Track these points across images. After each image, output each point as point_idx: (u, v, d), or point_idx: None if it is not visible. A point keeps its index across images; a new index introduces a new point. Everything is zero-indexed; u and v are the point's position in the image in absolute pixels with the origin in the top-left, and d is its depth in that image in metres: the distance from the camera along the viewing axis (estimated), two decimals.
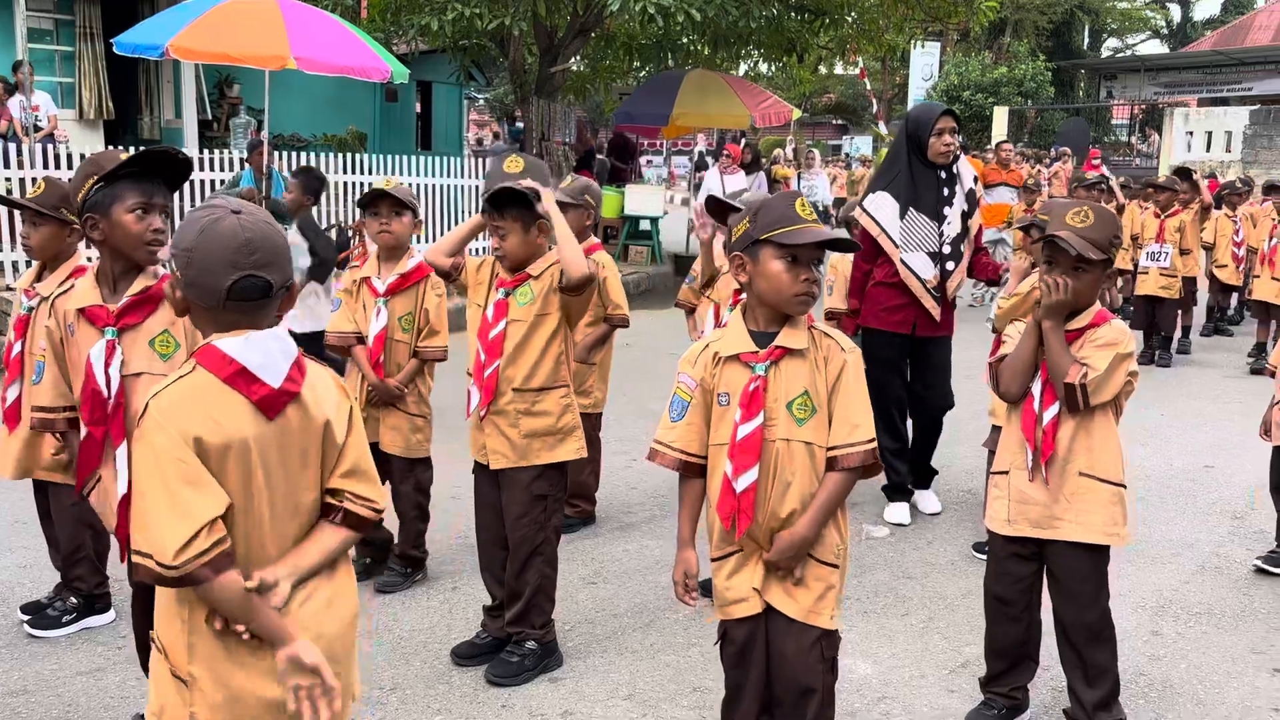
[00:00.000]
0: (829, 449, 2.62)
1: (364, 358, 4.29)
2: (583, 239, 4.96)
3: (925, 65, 31.66)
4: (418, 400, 4.38)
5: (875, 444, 2.65)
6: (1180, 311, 10.07)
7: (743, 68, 19.50)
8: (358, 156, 12.36)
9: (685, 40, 16.14)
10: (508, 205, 3.51)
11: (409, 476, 4.38)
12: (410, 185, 12.63)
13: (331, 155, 12.15)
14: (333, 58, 9.22)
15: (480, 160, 14.82)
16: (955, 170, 5.21)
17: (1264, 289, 9.73)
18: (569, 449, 3.71)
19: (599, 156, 19.44)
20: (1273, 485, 4.76)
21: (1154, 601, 4.39)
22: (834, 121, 47.05)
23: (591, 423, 5.10)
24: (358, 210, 4.71)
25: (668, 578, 2.99)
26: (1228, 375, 9.40)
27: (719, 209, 4.21)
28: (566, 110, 18.41)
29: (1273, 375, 4.73)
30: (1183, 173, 10.39)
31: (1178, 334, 10.09)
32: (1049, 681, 3.52)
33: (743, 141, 17.52)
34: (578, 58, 16.37)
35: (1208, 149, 23.68)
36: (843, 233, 2.69)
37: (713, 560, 2.73)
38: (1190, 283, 10.23)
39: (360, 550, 4.49)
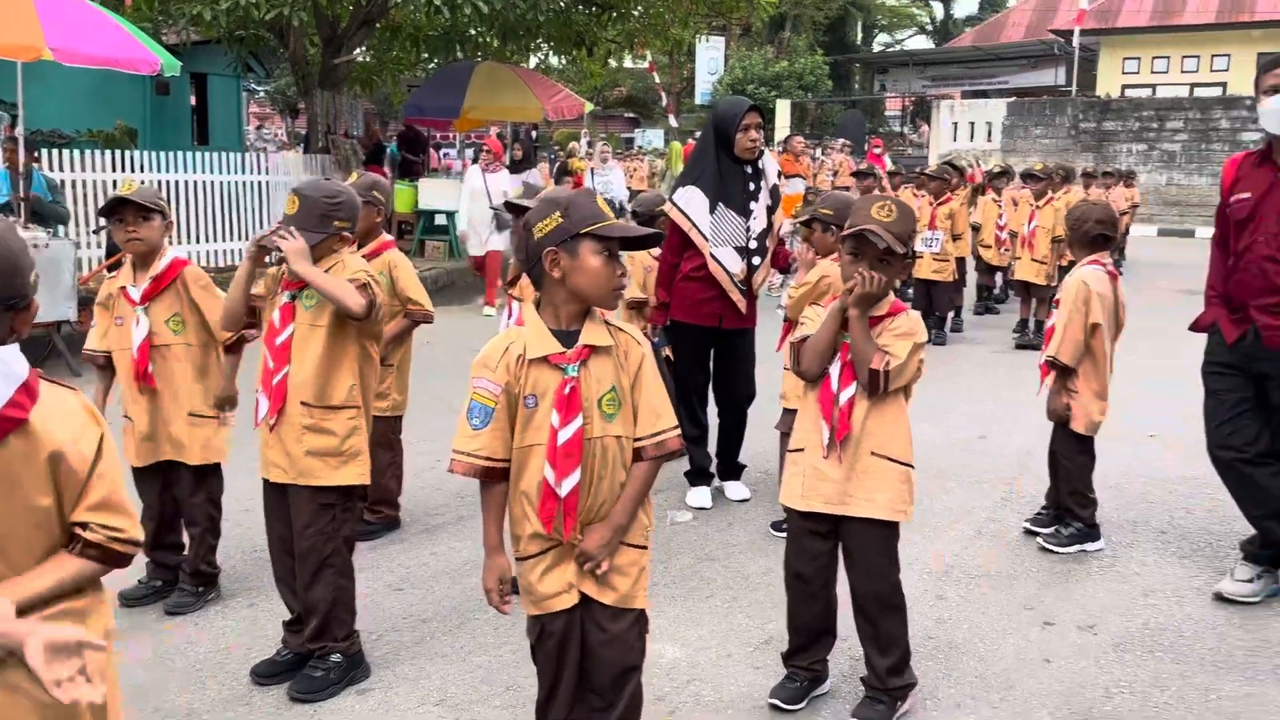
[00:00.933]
0: (636, 439, 2.66)
1: (124, 370, 4.08)
2: (373, 236, 4.85)
3: (711, 59, 32.45)
4: (205, 397, 4.15)
5: (679, 430, 2.71)
6: (953, 293, 10.75)
7: (533, 60, 19.43)
8: (128, 153, 11.63)
9: (474, 32, 15.93)
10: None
11: (199, 488, 4.17)
12: (186, 183, 12.08)
13: (98, 152, 11.36)
14: (94, 49, 8.65)
15: (261, 155, 14.23)
16: (761, 165, 5.35)
17: (1024, 269, 10.47)
18: (351, 473, 3.58)
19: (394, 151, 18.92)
20: (1050, 455, 5.11)
21: (938, 567, 4.65)
22: (625, 115, 47.60)
23: (391, 425, 5.00)
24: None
25: (477, 579, 2.97)
26: (996, 351, 10.05)
27: (516, 209, 4.20)
28: (353, 103, 17.87)
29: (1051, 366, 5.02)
30: (952, 166, 11.08)
31: (951, 314, 10.74)
32: (846, 651, 3.67)
33: (529, 134, 17.46)
34: (363, 49, 15.87)
35: (971, 138, 25.26)
36: (653, 230, 2.72)
37: (520, 560, 2.72)
38: (961, 265, 10.92)
39: (151, 571, 4.26)
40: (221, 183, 12.36)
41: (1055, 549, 4.84)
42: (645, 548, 2.75)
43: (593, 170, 16.98)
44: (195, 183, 11.97)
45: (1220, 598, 4.32)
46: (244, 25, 12.95)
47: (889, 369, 3.18)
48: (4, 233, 1.82)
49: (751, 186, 5.27)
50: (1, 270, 1.79)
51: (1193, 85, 27.16)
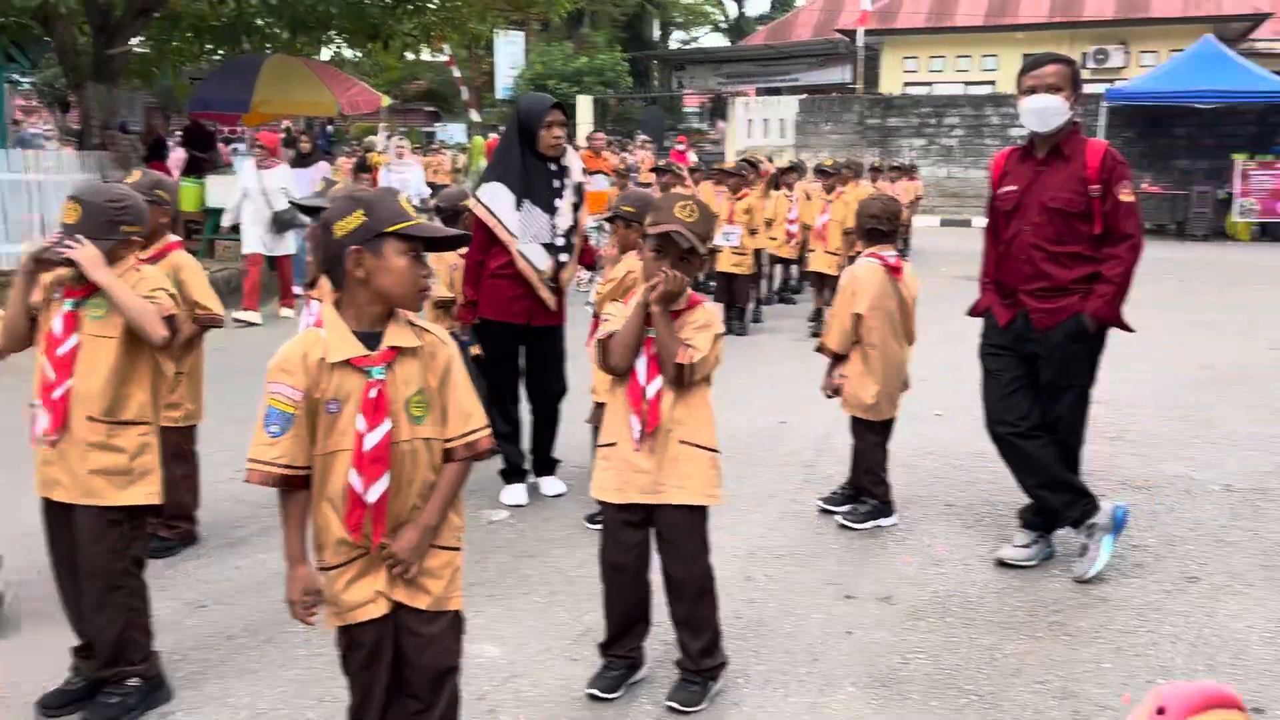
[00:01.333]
0: (446, 440, 2.64)
1: None
2: (159, 238, 4.62)
3: (511, 54, 32.30)
4: None
5: (489, 430, 2.71)
6: (753, 285, 11.10)
7: (326, 53, 18.81)
8: None
9: (261, 23, 15.28)
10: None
11: None
12: None
13: None
14: None
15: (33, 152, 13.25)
16: (565, 162, 5.38)
17: (818, 261, 10.92)
18: (140, 492, 3.38)
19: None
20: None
21: (745, 549, 4.81)
22: (426, 109, 46.81)
23: (184, 436, 4.79)
24: None
25: (283, 592, 2.88)
26: (794, 339, 10.44)
27: (308, 210, 4.09)
28: (131, 96, 16.89)
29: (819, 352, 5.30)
30: (749, 162, 11.44)
31: (751, 305, 11.08)
32: (660, 636, 3.74)
33: (324, 129, 16.90)
34: (140, 39, 14.96)
35: (766, 134, 26.04)
36: (460, 232, 2.70)
37: (325, 570, 2.64)
38: (759, 257, 11.29)
39: None
40: None
41: (853, 526, 5.08)
42: (458, 549, 2.73)
43: (389, 166, 16.30)
44: None
45: (1002, 563, 4.63)
46: (4, 12, 11.99)
47: (693, 362, 3.29)
48: None
49: (556, 183, 5.30)
50: None
51: (966, 83, 28.85)
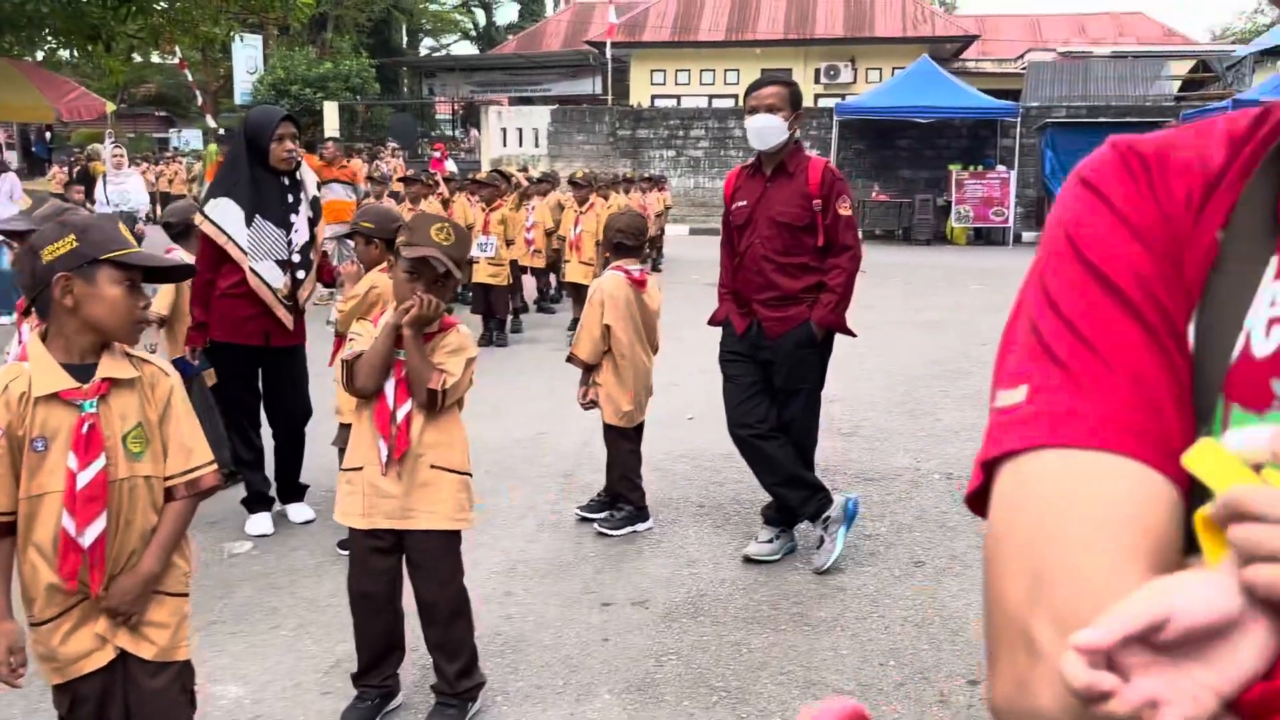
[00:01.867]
0: (167, 478, 2.50)
1: None
2: None
3: (249, 58, 30.90)
4: None
5: (214, 466, 2.59)
6: (510, 295, 11.10)
7: (40, 54, 17.41)
8: None
9: None
10: None
11: None
12: None
13: None
14: None
15: None
16: (299, 176, 5.20)
17: (573, 272, 11.02)
18: None
19: None
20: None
21: (504, 564, 4.80)
22: (157, 113, 44.17)
23: None
24: None
25: None
26: (552, 349, 10.49)
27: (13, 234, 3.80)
28: None
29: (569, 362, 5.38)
30: (500, 173, 11.44)
31: (509, 316, 11.08)
32: (416, 662, 3.70)
33: (41, 136, 15.60)
34: None
35: (520, 144, 26.04)
36: (183, 264, 2.52)
37: (36, 625, 2.44)
38: (515, 268, 11.31)
39: None
40: None
41: (610, 533, 5.17)
42: (185, 595, 2.60)
43: (105, 177, 14.37)
44: None
45: (748, 559, 4.83)
46: None
47: (446, 387, 3.26)
48: None
49: (290, 198, 5.13)
50: None
51: (710, 96, 29.88)
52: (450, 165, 22.03)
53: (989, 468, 0.78)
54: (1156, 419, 0.74)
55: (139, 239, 6.41)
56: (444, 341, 3.35)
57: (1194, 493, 0.69)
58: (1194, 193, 0.81)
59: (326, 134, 25.90)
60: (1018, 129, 21.75)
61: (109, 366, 2.43)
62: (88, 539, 2.37)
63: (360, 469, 3.36)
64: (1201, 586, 0.62)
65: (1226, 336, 0.75)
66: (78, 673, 2.47)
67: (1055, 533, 0.71)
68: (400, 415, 3.30)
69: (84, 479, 2.36)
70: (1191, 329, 0.77)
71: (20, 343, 3.84)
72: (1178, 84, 25.79)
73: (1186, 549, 0.70)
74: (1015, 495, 0.75)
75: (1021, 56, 30.17)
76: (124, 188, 13.28)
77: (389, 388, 3.31)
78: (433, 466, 3.34)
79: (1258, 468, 0.62)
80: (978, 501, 0.79)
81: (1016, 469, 0.75)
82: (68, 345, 2.41)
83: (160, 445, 2.50)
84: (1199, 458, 0.64)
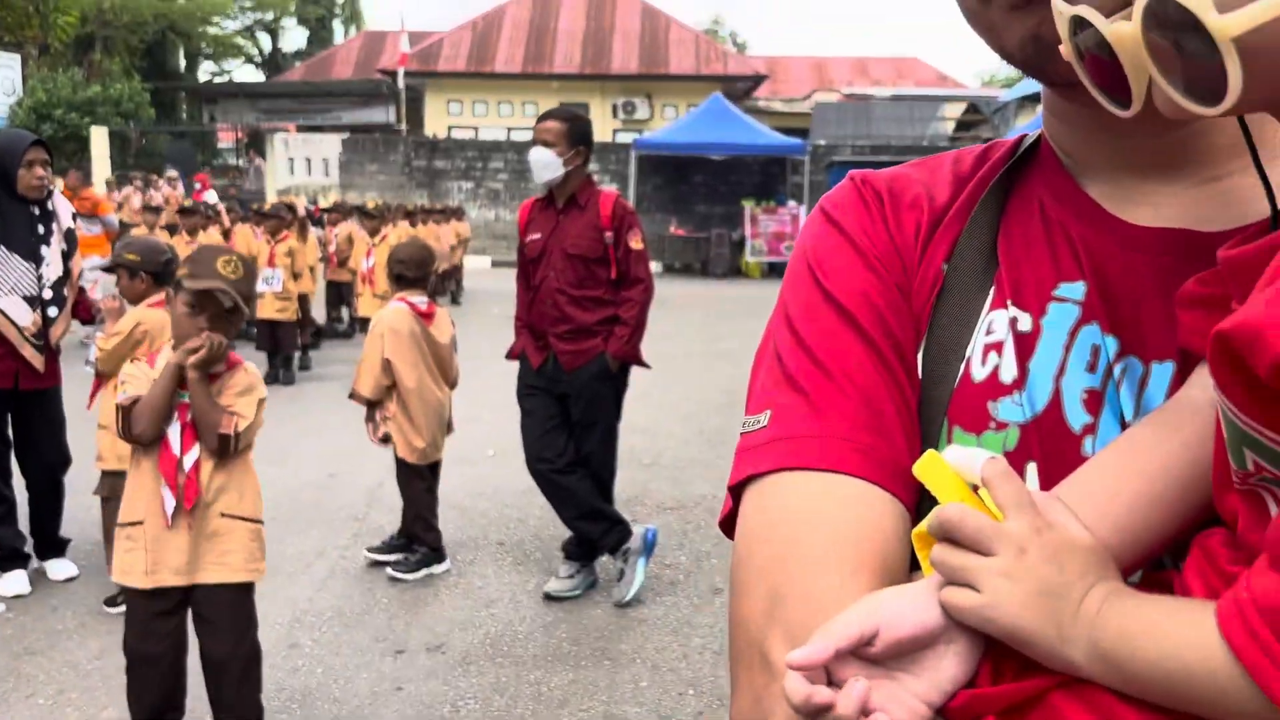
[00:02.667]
0: None
1: None
2: None
3: (6, 78, 28.92)
4: None
5: None
6: (299, 330, 10.74)
7: None
8: None
9: None
10: None
11: None
12: None
13: None
14: None
15: None
16: (51, 206, 4.89)
17: (366, 305, 10.81)
18: None
19: None
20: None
21: (290, 615, 4.60)
22: None
23: None
24: None
25: None
26: (343, 386, 10.17)
27: None
28: None
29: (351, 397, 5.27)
30: (287, 205, 11.10)
31: (297, 353, 10.71)
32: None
33: None
34: None
35: (309, 173, 25.36)
36: None
37: None
38: (304, 302, 10.96)
39: None
40: None
41: (403, 576, 5.05)
42: None
43: None
44: None
45: (548, 597, 4.82)
46: None
47: (239, 430, 3.13)
48: None
49: (41, 229, 4.81)
50: None
51: (509, 129, 29.88)
52: (209, 196, 21.05)
53: (737, 492, 0.80)
54: (886, 441, 0.77)
55: None
56: (231, 381, 3.22)
57: (921, 507, 0.73)
58: (922, 226, 0.85)
59: (96, 162, 24.54)
60: (806, 166, 22.74)
61: None
62: None
63: (140, 523, 3.15)
64: (907, 601, 0.65)
65: (950, 362, 0.79)
66: None
67: (790, 553, 0.74)
68: (188, 463, 3.14)
69: None
70: (920, 355, 0.81)
71: None
72: (952, 124, 27.47)
73: (914, 563, 0.72)
74: (755, 518, 0.78)
75: (809, 96, 31.59)
76: None
77: (173, 433, 3.15)
78: (223, 515, 3.20)
79: (975, 487, 0.65)
80: (729, 525, 0.81)
81: (758, 492, 0.78)
82: None
83: None
84: (926, 468, 0.67)
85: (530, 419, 4.84)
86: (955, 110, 28.58)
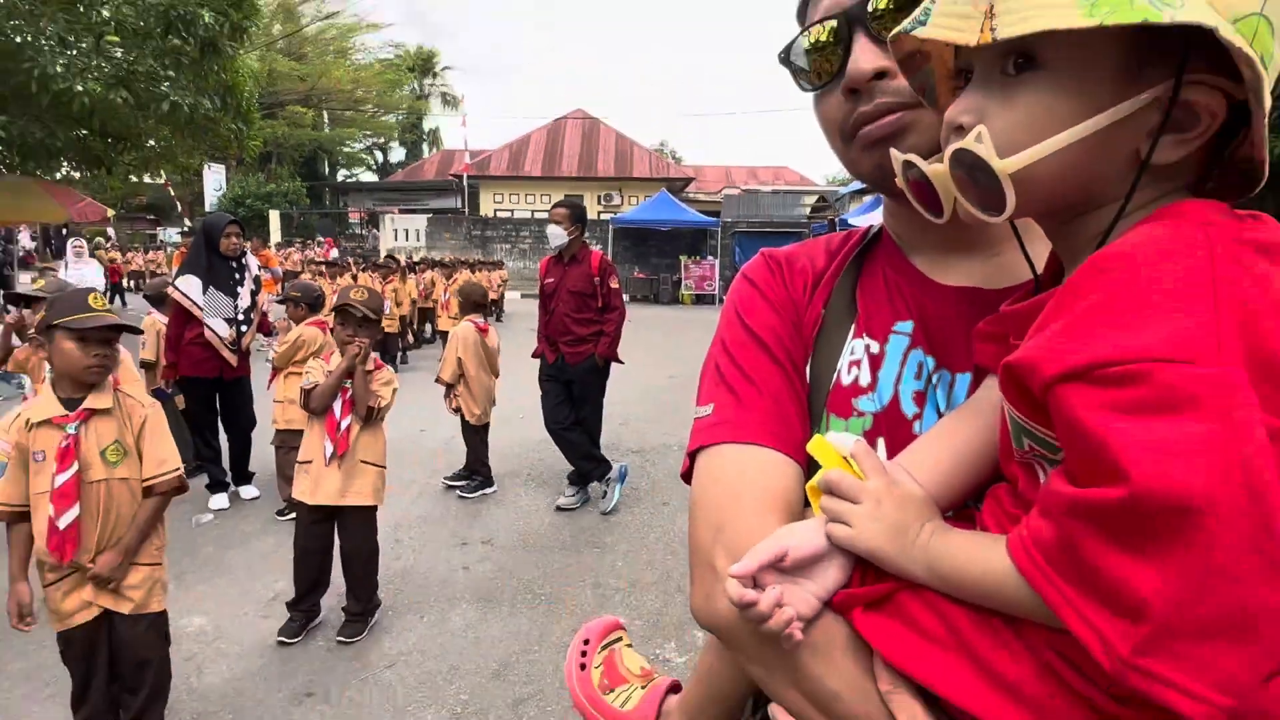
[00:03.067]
0: (144, 480, 2.22)
1: None
2: None
3: (215, 179, 28.26)
4: None
5: (179, 471, 2.29)
6: (401, 339, 10.59)
7: (57, 175, 15.24)
8: None
9: None
10: None
11: None
12: None
13: None
14: None
15: None
16: (244, 261, 4.76)
17: (444, 323, 10.66)
18: None
19: None
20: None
21: (394, 521, 4.49)
22: (148, 217, 39.73)
23: None
24: None
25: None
26: (429, 374, 10.00)
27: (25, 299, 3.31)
28: None
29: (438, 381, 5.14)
30: (392, 258, 10.91)
31: (398, 352, 10.55)
32: (333, 591, 3.41)
33: (60, 231, 13.65)
34: None
35: (407, 239, 25.04)
36: (119, 324, 2.18)
37: (45, 586, 2.14)
38: (404, 321, 10.81)
39: None
40: None
41: (466, 495, 4.96)
42: (159, 564, 2.29)
43: (66, 264, 11.69)
44: None
45: (559, 509, 4.73)
46: None
47: (381, 405, 3.11)
48: None
49: (237, 276, 4.67)
50: None
51: (533, 211, 29.63)
52: (333, 253, 20.79)
53: (692, 456, 0.78)
54: (787, 424, 0.74)
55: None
56: (377, 375, 3.19)
57: (810, 469, 0.70)
58: (808, 284, 0.83)
59: (271, 236, 24.10)
60: (719, 235, 22.70)
61: (93, 400, 2.15)
62: (63, 523, 2.09)
63: (310, 462, 3.11)
64: (806, 532, 0.63)
65: (827, 373, 0.77)
66: (69, 625, 2.17)
67: (727, 497, 0.71)
68: (343, 426, 3.08)
69: (59, 481, 2.10)
70: (808, 369, 0.79)
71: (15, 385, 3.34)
72: (808, 209, 27.55)
73: (806, 504, 0.70)
74: (705, 475, 0.75)
75: (720, 191, 31.50)
76: (81, 272, 11.06)
77: (337, 406, 3.09)
78: (362, 461, 3.13)
79: (847, 460, 0.63)
80: (687, 477, 0.79)
81: (707, 457, 0.75)
82: (63, 385, 2.16)
83: (137, 455, 2.22)
84: (815, 447, 0.66)
85: (546, 396, 4.78)
86: (810, 199, 28.61)
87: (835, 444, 0.64)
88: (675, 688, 0.95)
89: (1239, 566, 0.41)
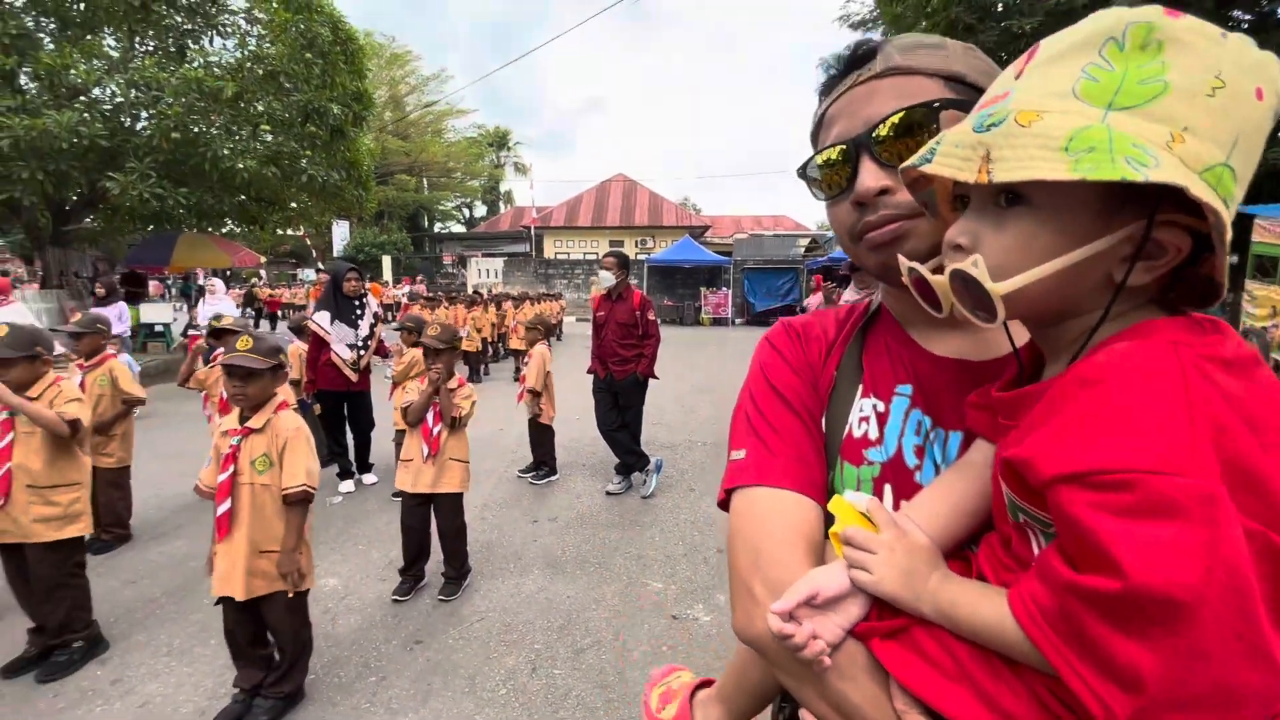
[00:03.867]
0: (283, 489, 2.23)
1: None
2: (99, 350, 3.66)
3: (341, 232, 29.13)
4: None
5: (311, 484, 2.26)
6: (482, 356, 10.71)
7: (222, 230, 15.88)
8: None
9: (178, 214, 12.65)
10: None
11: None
12: None
13: None
14: None
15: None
16: (365, 299, 4.85)
17: (515, 343, 10.74)
18: (74, 529, 2.59)
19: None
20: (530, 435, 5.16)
21: (480, 502, 4.50)
22: (291, 261, 41.02)
23: (119, 474, 3.77)
24: None
25: (193, 567, 2.33)
26: (505, 385, 10.16)
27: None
28: (83, 255, 13.30)
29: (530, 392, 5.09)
30: (477, 292, 11.06)
31: (481, 367, 10.67)
32: (434, 557, 3.45)
33: (210, 272, 14.21)
34: (90, 219, 11.85)
35: (488, 277, 25.41)
36: (243, 360, 2.16)
37: (213, 556, 2.21)
38: (485, 342, 10.93)
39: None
40: None
41: (536, 482, 4.93)
42: (302, 553, 2.32)
43: (203, 299, 11.02)
44: None
45: (608, 494, 4.68)
46: None
47: (462, 415, 3.13)
48: None
49: (358, 311, 4.77)
50: None
51: (585, 254, 29.78)
52: (422, 289, 21.19)
53: (728, 492, 0.76)
54: (807, 468, 0.73)
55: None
56: (460, 391, 3.21)
57: (828, 509, 0.68)
58: (822, 350, 0.81)
59: (384, 276, 24.64)
60: (731, 271, 22.57)
61: (252, 420, 2.21)
62: (219, 511, 2.18)
63: (411, 460, 3.15)
64: (832, 575, 0.61)
65: (839, 425, 0.75)
66: (220, 592, 2.22)
67: (761, 532, 0.69)
68: (435, 431, 3.12)
69: (220, 479, 2.18)
70: (824, 421, 0.77)
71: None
72: (803, 249, 27.21)
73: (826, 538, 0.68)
74: (741, 510, 0.73)
75: (733, 235, 31.28)
76: (217, 307, 10.51)
77: (429, 417, 3.13)
78: (450, 459, 3.15)
79: (864, 515, 0.62)
80: (724, 506, 0.77)
81: (742, 496, 0.73)
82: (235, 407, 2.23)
83: (278, 468, 2.25)
84: (835, 506, 0.64)
85: (598, 404, 4.77)
86: (804, 241, 28.24)
87: (853, 501, 0.63)
88: (703, 684, 0.92)
89: (1223, 651, 0.40)
